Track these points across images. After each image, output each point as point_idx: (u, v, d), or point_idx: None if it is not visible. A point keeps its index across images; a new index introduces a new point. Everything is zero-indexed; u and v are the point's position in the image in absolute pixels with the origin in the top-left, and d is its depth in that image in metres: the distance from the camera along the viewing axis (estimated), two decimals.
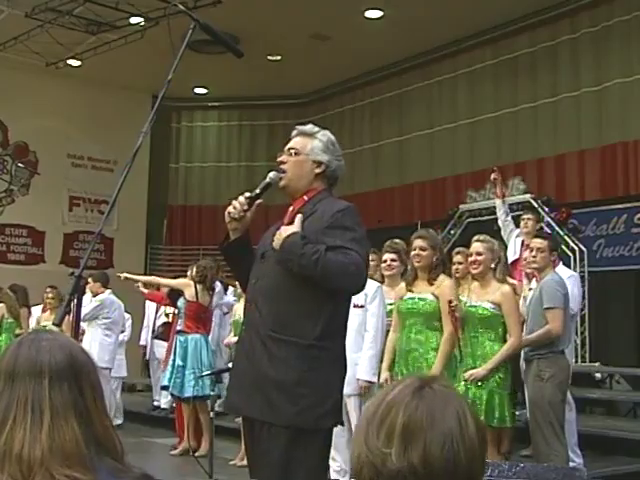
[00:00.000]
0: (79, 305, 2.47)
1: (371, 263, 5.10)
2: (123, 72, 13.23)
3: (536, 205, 9.58)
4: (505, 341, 5.07)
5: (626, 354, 9.85)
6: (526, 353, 5.41)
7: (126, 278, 8.52)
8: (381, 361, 5.63)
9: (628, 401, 8.91)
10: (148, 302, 10.19)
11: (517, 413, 5.48)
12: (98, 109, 13.85)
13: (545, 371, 5.24)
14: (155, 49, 10.26)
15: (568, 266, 8.00)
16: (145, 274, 13.41)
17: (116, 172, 13.89)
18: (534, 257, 5.50)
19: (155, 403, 9.92)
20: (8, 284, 9.46)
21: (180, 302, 7.90)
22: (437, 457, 1.21)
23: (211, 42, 3.19)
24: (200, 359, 7.48)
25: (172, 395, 7.90)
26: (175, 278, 8.46)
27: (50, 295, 8.89)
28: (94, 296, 8.56)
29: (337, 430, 3.16)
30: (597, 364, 9.44)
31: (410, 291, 5.21)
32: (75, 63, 12.73)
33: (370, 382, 5.65)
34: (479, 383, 4.99)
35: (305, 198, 3.15)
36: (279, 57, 12.89)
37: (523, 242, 7.08)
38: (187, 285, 7.65)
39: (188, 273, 7.95)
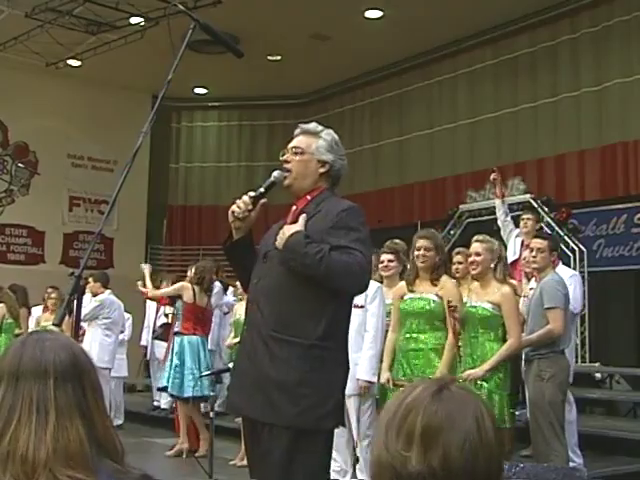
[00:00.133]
0: (79, 305, 2.46)
1: None
2: (123, 72, 13.23)
3: (536, 205, 9.57)
4: (505, 342, 5.06)
5: (626, 354, 9.85)
6: (527, 353, 5.41)
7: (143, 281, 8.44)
8: (381, 361, 5.64)
9: (628, 401, 8.92)
10: (149, 302, 10.20)
11: (517, 413, 5.48)
12: (98, 109, 13.85)
13: (546, 371, 5.24)
14: (155, 49, 10.27)
15: (568, 266, 7.99)
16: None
17: (116, 172, 13.89)
18: (534, 257, 5.50)
19: (155, 403, 9.92)
20: (8, 284, 9.46)
21: (178, 303, 7.90)
22: (456, 459, 1.23)
23: (211, 42, 3.19)
24: (198, 360, 7.48)
25: (171, 396, 7.91)
26: (176, 280, 8.46)
27: (53, 295, 8.90)
28: (94, 296, 8.55)
29: (337, 430, 3.14)
30: (597, 364, 9.44)
31: (411, 291, 5.20)
32: (75, 63, 12.73)
33: (370, 382, 5.65)
34: (478, 383, 4.98)
35: (308, 197, 3.13)
36: (279, 57, 12.89)
37: (523, 242, 7.08)
38: (185, 288, 7.65)
39: (188, 273, 7.95)
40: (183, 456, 7.43)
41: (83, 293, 2.52)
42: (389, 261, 5.82)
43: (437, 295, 5.09)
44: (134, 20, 11.12)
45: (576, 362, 8.28)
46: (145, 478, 1.53)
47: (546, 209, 9.81)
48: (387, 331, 5.56)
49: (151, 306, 10.24)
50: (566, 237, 9.67)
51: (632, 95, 10.21)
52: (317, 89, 14.44)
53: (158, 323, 9.52)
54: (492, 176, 7.84)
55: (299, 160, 3.14)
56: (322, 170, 3.15)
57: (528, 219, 7.19)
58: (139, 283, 8.54)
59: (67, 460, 1.43)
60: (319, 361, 2.92)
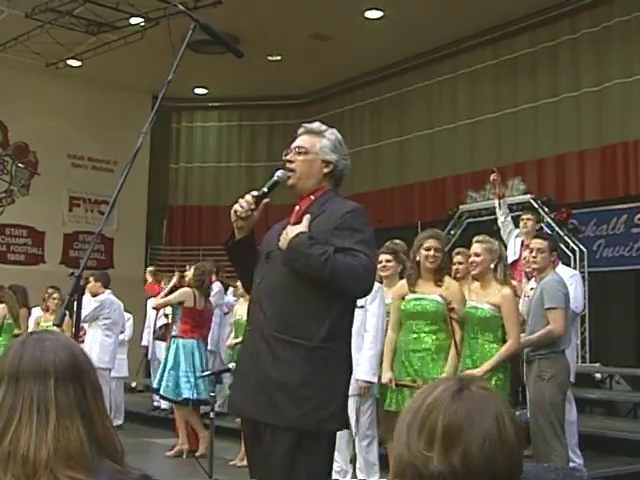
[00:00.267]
0: (79, 306, 2.46)
1: None
2: (123, 72, 13.24)
3: (536, 205, 9.57)
4: (504, 343, 5.05)
5: (626, 354, 9.85)
6: (527, 353, 5.41)
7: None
8: (380, 361, 5.63)
9: (628, 401, 8.92)
10: (149, 302, 10.19)
11: (517, 413, 5.48)
12: (98, 109, 13.86)
13: (546, 371, 5.24)
14: (155, 49, 10.27)
15: (568, 266, 7.99)
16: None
17: (116, 172, 13.90)
18: (534, 257, 5.50)
19: (155, 403, 9.91)
20: (8, 284, 9.46)
21: (175, 306, 7.88)
22: (476, 457, 1.24)
23: (211, 42, 3.18)
24: (193, 363, 7.48)
25: (164, 398, 7.93)
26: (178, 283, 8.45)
27: (55, 296, 8.90)
28: (93, 296, 8.55)
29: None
30: (597, 364, 9.44)
31: (413, 291, 5.19)
32: (75, 63, 12.73)
33: (370, 382, 5.64)
34: None
35: (312, 198, 3.10)
36: (279, 57, 12.89)
37: (523, 242, 7.08)
38: (187, 295, 7.64)
39: (186, 273, 7.93)
40: (183, 456, 7.43)
41: (83, 293, 2.52)
42: (387, 261, 5.82)
43: (441, 296, 5.09)
44: (134, 20, 11.12)
45: (576, 362, 8.28)
46: (145, 478, 1.53)
47: (546, 209, 9.81)
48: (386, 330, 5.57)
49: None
50: (566, 237, 9.67)
51: (632, 95, 10.21)
52: (317, 89, 14.45)
53: (158, 324, 9.51)
54: (492, 176, 7.83)
55: (303, 160, 3.11)
56: (326, 170, 3.12)
57: (528, 219, 7.19)
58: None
59: (67, 460, 1.42)
60: (323, 363, 2.90)
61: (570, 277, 6.17)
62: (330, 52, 12.22)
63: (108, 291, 8.70)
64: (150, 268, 10.01)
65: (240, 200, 3.06)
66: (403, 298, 5.26)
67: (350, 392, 5.36)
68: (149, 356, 10.44)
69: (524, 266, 6.33)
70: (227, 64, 10.09)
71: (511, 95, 11.78)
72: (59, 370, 1.49)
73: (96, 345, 8.39)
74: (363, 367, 5.55)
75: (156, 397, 9.93)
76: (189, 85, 13.99)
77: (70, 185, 14.21)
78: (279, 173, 3.10)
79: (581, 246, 9.74)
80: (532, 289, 5.76)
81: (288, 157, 3.14)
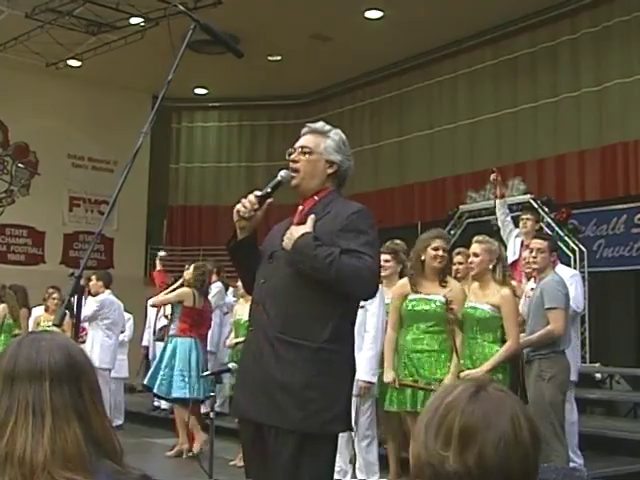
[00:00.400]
0: (79, 306, 2.46)
1: None
2: (123, 72, 13.23)
3: (536, 205, 9.57)
4: (504, 343, 5.05)
5: (626, 354, 9.85)
6: (527, 353, 5.40)
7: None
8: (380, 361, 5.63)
9: (628, 401, 8.92)
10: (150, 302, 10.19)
11: None
12: (98, 109, 13.86)
13: (546, 371, 5.24)
14: (155, 49, 10.27)
15: (568, 266, 7.99)
16: (145, 275, 13.47)
17: (116, 172, 13.90)
18: (534, 258, 5.50)
19: (155, 403, 9.90)
20: (8, 284, 9.47)
21: (174, 304, 7.88)
22: (491, 457, 1.26)
23: (211, 42, 3.19)
24: (189, 362, 7.46)
25: (157, 396, 7.93)
26: (175, 280, 8.44)
27: (55, 296, 8.90)
28: (94, 295, 8.56)
29: None
30: (597, 364, 9.44)
31: (416, 292, 5.17)
32: (75, 63, 12.73)
33: (370, 383, 5.64)
34: None
35: (316, 198, 3.08)
36: (279, 57, 12.89)
37: (522, 242, 7.08)
38: (187, 295, 7.64)
39: (186, 272, 7.93)
40: (183, 456, 7.43)
41: (83, 293, 2.52)
42: (385, 261, 5.81)
43: (445, 297, 5.08)
44: (134, 20, 11.12)
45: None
46: (144, 478, 1.53)
47: (546, 209, 9.80)
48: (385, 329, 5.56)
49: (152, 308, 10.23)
50: (566, 237, 9.66)
51: (632, 95, 10.20)
52: (317, 89, 14.44)
53: (159, 325, 9.51)
54: (492, 176, 7.83)
55: (307, 160, 3.08)
56: (330, 171, 3.10)
57: (527, 219, 7.18)
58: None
59: (65, 462, 1.42)
60: (326, 364, 2.88)
61: (570, 277, 6.17)
62: (330, 52, 12.22)
63: (108, 291, 8.71)
64: (162, 253, 9.95)
65: (243, 200, 3.03)
66: (404, 297, 5.24)
67: None
68: (150, 356, 10.43)
69: (523, 266, 6.32)
70: (227, 64, 10.09)
71: (511, 95, 11.78)
72: (54, 371, 1.48)
73: (97, 346, 8.39)
74: (363, 367, 5.54)
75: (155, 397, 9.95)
76: (189, 85, 13.99)
77: (70, 185, 14.21)
78: (283, 173, 3.07)
79: (581, 246, 9.73)
80: (532, 289, 5.76)
81: (292, 157, 3.11)
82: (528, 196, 9.92)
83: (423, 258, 5.15)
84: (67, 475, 1.41)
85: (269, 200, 3.03)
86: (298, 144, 3.14)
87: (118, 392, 9.46)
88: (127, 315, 9.50)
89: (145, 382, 7.76)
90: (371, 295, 3.08)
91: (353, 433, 5.66)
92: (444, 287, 5.14)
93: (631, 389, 9.40)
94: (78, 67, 12.82)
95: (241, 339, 6.80)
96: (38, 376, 1.47)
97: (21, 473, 1.40)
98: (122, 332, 9.23)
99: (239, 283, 6.57)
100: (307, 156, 3.08)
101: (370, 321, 5.64)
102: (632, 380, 9.46)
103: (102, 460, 1.47)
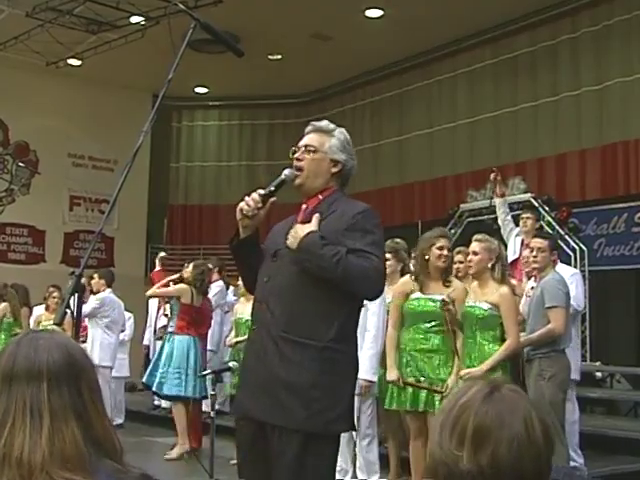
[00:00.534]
0: (79, 304, 2.46)
1: None
2: (124, 71, 13.23)
3: (537, 204, 9.56)
4: (503, 342, 5.04)
5: (627, 353, 9.85)
6: (527, 352, 5.40)
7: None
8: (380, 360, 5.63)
9: (629, 400, 8.92)
10: (151, 302, 10.20)
11: None
12: (99, 108, 13.85)
13: (547, 370, 5.24)
14: (156, 48, 10.26)
15: (569, 265, 7.99)
16: (146, 274, 13.46)
17: (116, 171, 13.90)
18: (535, 257, 5.50)
19: (156, 402, 9.90)
20: (9, 283, 9.47)
21: (173, 303, 7.88)
22: (504, 457, 1.28)
23: (212, 41, 3.18)
24: (187, 360, 7.45)
25: (155, 394, 7.94)
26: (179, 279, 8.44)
27: (55, 294, 8.91)
28: (95, 293, 8.57)
29: None
30: (598, 363, 9.43)
31: (422, 291, 5.16)
32: (75, 62, 12.73)
33: (370, 382, 5.64)
34: None
35: (320, 197, 3.06)
36: (280, 56, 12.88)
37: (523, 241, 7.08)
38: (185, 291, 7.64)
39: (185, 270, 7.92)
40: (184, 456, 7.40)
41: (83, 292, 2.52)
42: (386, 260, 5.81)
43: (448, 296, 5.08)
44: (135, 19, 11.12)
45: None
46: (144, 477, 1.53)
47: (547, 208, 9.80)
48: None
49: (153, 306, 10.24)
50: (567, 236, 9.66)
51: (633, 94, 10.20)
52: (318, 88, 14.44)
53: (159, 324, 9.51)
54: (492, 176, 7.84)
55: (312, 159, 3.06)
56: (334, 170, 3.09)
57: (528, 218, 7.18)
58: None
59: (64, 462, 1.42)
60: (331, 364, 2.87)
61: (570, 276, 6.17)
62: (330, 51, 12.22)
63: (109, 290, 8.71)
64: (162, 254, 9.94)
65: (247, 198, 3.01)
66: (406, 296, 5.23)
67: None
68: (150, 355, 10.42)
69: (524, 265, 6.32)
70: (228, 63, 10.07)
71: (511, 94, 11.78)
72: (52, 371, 1.47)
73: (97, 344, 8.40)
74: (363, 366, 5.53)
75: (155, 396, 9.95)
76: (190, 84, 13.98)
77: (70, 184, 14.21)
78: (287, 172, 3.06)
79: (582, 245, 9.74)
80: (532, 288, 5.76)
81: (296, 155, 3.09)
82: (528, 195, 9.91)
83: (427, 257, 5.13)
84: (66, 475, 1.41)
85: (272, 199, 3.02)
86: (302, 142, 3.12)
87: (118, 391, 9.46)
88: (127, 314, 9.50)
89: (144, 380, 7.76)
90: (377, 295, 3.07)
91: (354, 432, 5.66)
92: (447, 287, 5.14)
93: (632, 388, 9.40)
94: (78, 66, 12.81)
95: (242, 338, 6.80)
96: (36, 376, 1.47)
97: (19, 474, 1.40)
98: (122, 331, 9.23)
99: (240, 282, 6.59)
100: (311, 155, 3.07)
101: (371, 320, 5.64)
102: (633, 379, 9.46)
103: (102, 459, 1.47)
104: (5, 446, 1.42)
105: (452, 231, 10.88)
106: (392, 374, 5.19)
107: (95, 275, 8.66)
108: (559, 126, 11.14)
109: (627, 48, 10.38)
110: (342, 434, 3.05)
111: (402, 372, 5.15)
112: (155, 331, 9.82)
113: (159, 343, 9.50)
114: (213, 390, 4.88)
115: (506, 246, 6.85)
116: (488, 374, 4.86)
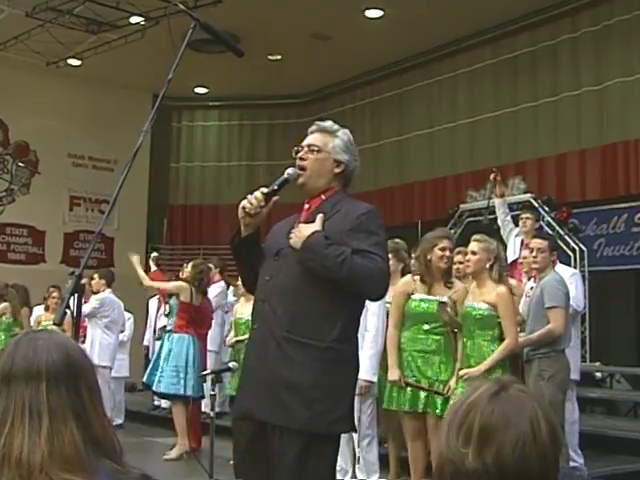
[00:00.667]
0: (79, 304, 2.46)
1: None
2: (124, 71, 13.23)
3: (536, 205, 9.57)
4: (502, 341, 5.04)
5: (626, 353, 9.85)
6: (527, 353, 5.40)
7: (133, 262, 8.43)
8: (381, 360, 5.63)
9: (628, 400, 8.92)
10: (150, 302, 10.18)
11: None
12: (99, 108, 13.85)
13: (546, 370, 5.24)
14: (156, 48, 10.26)
15: (568, 265, 7.99)
16: (146, 274, 13.41)
17: (116, 171, 13.89)
18: (535, 257, 5.51)
19: (155, 402, 9.91)
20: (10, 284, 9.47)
21: (172, 301, 7.88)
22: (509, 458, 1.29)
23: (212, 41, 3.18)
24: (186, 359, 7.44)
25: (155, 393, 7.94)
26: (176, 278, 8.44)
27: (55, 295, 8.92)
28: (95, 293, 8.57)
29: None
30: (597, 363, 9.43)
31: (421, 291, 5.16)
32: (75, 62, 12.72)
33: (370, 382, 5.64)
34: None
35: (323, 197, 3.06)
36: (279, 56, 12.88)
37: (522, 241, 7.08)
38: (183, 288, 7.63)
39: (185, 269, 7.92)
40: (184, 456, 7.40)
41: (83, 292, 2.52)
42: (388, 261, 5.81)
43: (450, 298, 5.07)
44: (134, 19, 11.11)
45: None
46: (144, 478, 1.52)
47: (547, 208, 9.80)
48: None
49: (153, 306, 10.23)
50: (567, 236, 9.66)
51: (633, 94, 10.19)
52: (317, 88, 14.43)
53: (159, 324, 9.51)
54: (492, 176, 7.84)
55: (315, 159, 3.06)
56: (337, 170, 3.09)
57: (527, 218, 7.19)
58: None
59: (63, 463, 1.41)
60: (332, 364, 2.86)
61: (570, 276, 6.17)
62: (330, 51, 12.22)
63: (108, 290, 8.71)
64: (154, 254, 9.94)
65: (249, 196, 3.01)
66: (407, 296, 5.22)
67: None
68: (150, 356, 10.42)
69: (523, 266, 6.33)
70: (227, 63, 10.06)
71: (511, 94, 11.77)
72: (51, 371, 1.47)
73: (96, 344, 8.40)
74: (363, 366, 5.51)
75: (156, 396, 9.94)
76: (189, 84, 13.98)
77: (70, 184, 14.20)
78: (290, 171, 3.06)
79: (581, 245, 9.73)
80: (532, 288, 5.76)
81: (300, 154, 3.09)
82: (528, 195, 9.91)
83: (429, 258, 5.13)
84: (65, 476, 1.40)
85: (275, 197, 3.02)
86: (306, 142, 3.12)
87: (118, 391, 9.45)
88: (127, 314, 9.51)
89: (144, 380, 7.76)
90: (381, 296, 3.08)
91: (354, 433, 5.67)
92: (449, 288, 5.14)
93: (631, 388, 9.40)
94: (78, 66, 12.81)
95: (241, 337, 6.80)
96: (35, 376, 1.46)
97: (19, 475, 1.40)
98: (122, 331, 9.23)
99: (239, 282, 6.58)
100: (315, 154, 3.07)
101: (371, 320, 5.63)
102: (632, 379, 9.46)
103: (101, 460, 1.47)
104: (4, 447, 1.42)
105: (452, 231, 10.89)
106: (394, 374, 5.19)
107: (95, 275, 8.66)
108: (559, 126, 11.14)
109: (627, 48, 10.37)
110: (342, 434, 3.05)
111: (403, 372, 5.15)
112: (155, 331, 9.81)
113: (159, 343, 9.51)
114: (213, 390, 4.87)
115: (506, 246, 6.86)
116: (487, 374, 4.87)
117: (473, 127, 12.22)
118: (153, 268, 9.30)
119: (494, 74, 11.98)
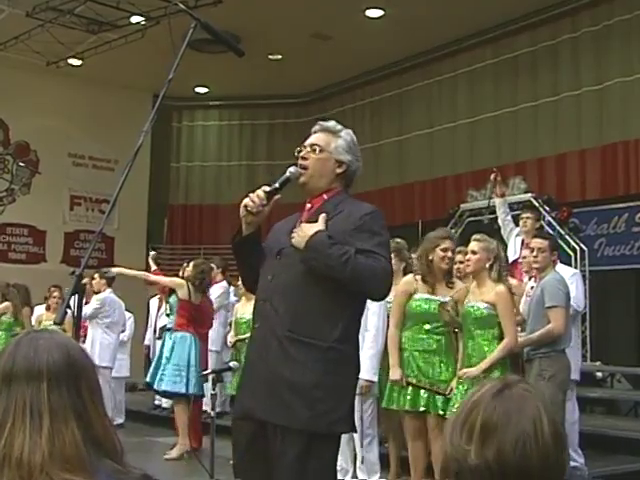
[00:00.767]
0: (80, 304, 2.46)
1: None
2: (124, 71, 13.23)
3: (537, 204, 9.56)
4: (502, 340, 5.04)
5: (627, 353, 9.85)
6: (527, 352, 5.40)
7: (120, 274, 8.48)
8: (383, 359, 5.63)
9: (629, 400, 8.92)
10: (151, 302, 10.17)
11: None
12: (99, 108, 13.85)
13: (546, 370, 5.24)
14: (156, 48, 10.26)
15: (569, 265, 7.99)
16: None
17: (117, 171, 13.90)
18: (535, 257, 5.50)
19: (156, 402, 9.91)
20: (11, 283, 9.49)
21: (172, 299, 7.87)
22: (510, 456, 1.29)
23: (212, 41, 3.18)
24: (187, 358, 7.43)
25: (158, 393, 7.94)
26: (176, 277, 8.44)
27: (55, 294, 8.93)
28: (95, 293, 8.57)
29: None
30: (598, 363, 9.44)
31: (423, 291, 5.16)
32: (76, 62, 12.72)
33: (370, 381, 5.64)
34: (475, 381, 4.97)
35: (324, 197, 3.06)
36: (280, 56, 12.88)
37: (523, 241, 7.08)
38: (181, 285, 7.62)
39: (185, 269, 7.91)
40: (184, 456, 7.40)
41: (84, 292, 2.52)
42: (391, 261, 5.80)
43: (452, 298, 5.07)
44: (135, 19, 11.12)
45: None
46: (145, 478, 1.52)
47: (547, 208, 9.80)
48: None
49: (153, 306, 10.23)
50: (567, 236, 9.66)
51: (633, 94, 10.20)
52: (318, 88, 14.44)
53: (159, 324, 9.51)
54: (492, 176, 7.84)
55: (317, 158, 3.06)
56: (339, 170, 3.08)
57: (527, 218, 7.18)
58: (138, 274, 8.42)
59: (64, 463, 1.41)
60: (333, 364, 2.86)
61: (570, 276, 6.17)
62: (331, 51, 12.22)
63: (109, 290, 8.72)
64: (152, 253, 9.92)
65: (251, 195, 3.00)
66: (409, 296, 5.22)
67: None
68: (151, 355, 10.42)
69: (523, 265, 6.33)
70: (228, 63, 10.04)
71: (511, 94, 11.77)
72: (52, 371, 1.47)
73: (96, 344, 8.41)
74: (364, 366, 5.50)
75: (157, 395, 9.94)
76: (190, 84, 13.98)
77: (71, 184, 14.21)
78: (292, 169, 3.06)
79: (582, 245, 9.73)
80: (532, 288, 5.76)
81: (302, 154, 3.09)
82: (529, 195, 9.91)
83: (431, 258, 5.13)
84: (66, 476, 1.40)
85: (277, 196, 3.01)
86: (309, 141, 3.11)
87: (119, 391, 9.46)
88: (128, 314, 9.51)
89: (147, 379, 7.75)
90: (384, 296, 3.07)
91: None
92: (451, 288, 5.14)
93: (632, 388, 9.40)
94: (79, 66, 12.81)
95: (242, 336, 6.80)
96: (36, 376, 1.46)
97: (19, 475, 1.39)
98: (123, 331, 9.24)
99: (240, 282, 6.58)
100: (317, 154, 3.07)
101: (371, 320, 5.63)
102: (633, 379, 9.46)
103: (102, 460, 1.46)
104: (5, 447, 1.42)
105: (452, 231, 10.89)
106: (395, 373, 5.19)
107: (96, 275, 8.66)
108: (559, 126, 11.14)
109: (627, 48, 10.37)
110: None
111: (404, 371, 5.15)
112: (155, 331, 9.81)
113: (159, 343, 9.51)
114: (214, 390, 4.87)
115: (506, 246, 6.85)
116: (486, 373, 4.87)
117: (473, 127, 12.22)
118: (153, 267, 9.30)
119: (494, 74, 11.98)
